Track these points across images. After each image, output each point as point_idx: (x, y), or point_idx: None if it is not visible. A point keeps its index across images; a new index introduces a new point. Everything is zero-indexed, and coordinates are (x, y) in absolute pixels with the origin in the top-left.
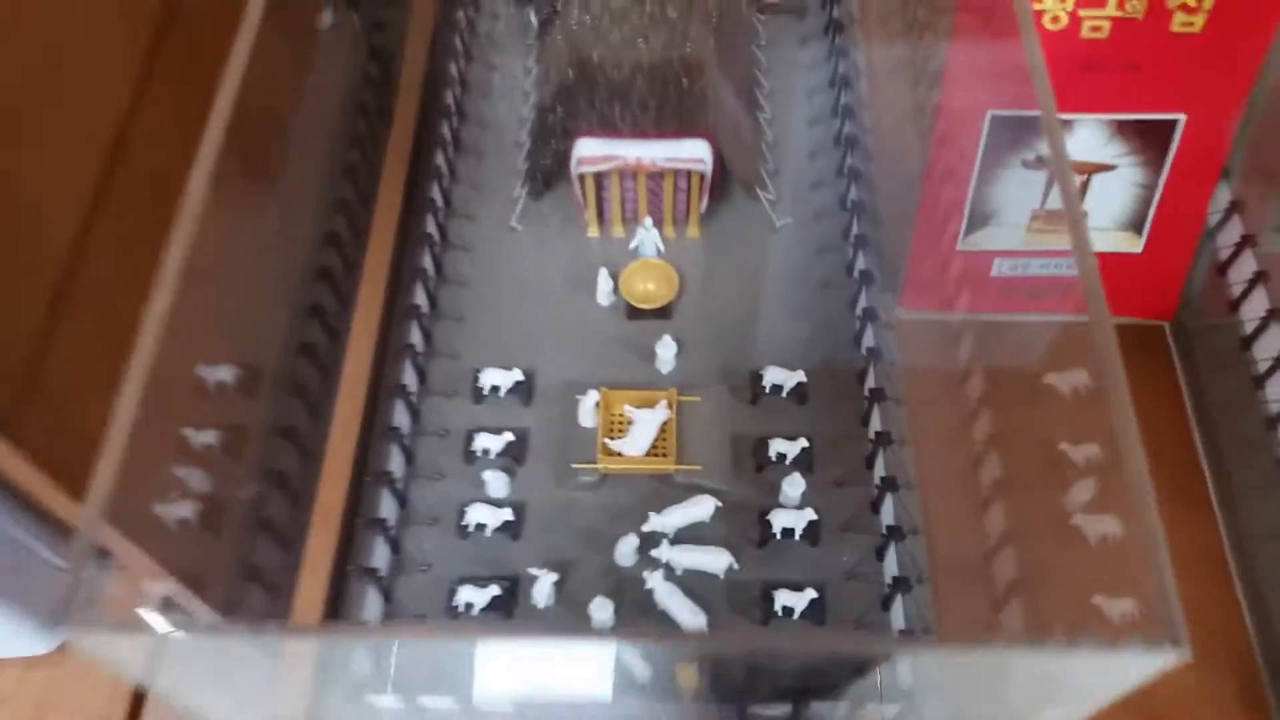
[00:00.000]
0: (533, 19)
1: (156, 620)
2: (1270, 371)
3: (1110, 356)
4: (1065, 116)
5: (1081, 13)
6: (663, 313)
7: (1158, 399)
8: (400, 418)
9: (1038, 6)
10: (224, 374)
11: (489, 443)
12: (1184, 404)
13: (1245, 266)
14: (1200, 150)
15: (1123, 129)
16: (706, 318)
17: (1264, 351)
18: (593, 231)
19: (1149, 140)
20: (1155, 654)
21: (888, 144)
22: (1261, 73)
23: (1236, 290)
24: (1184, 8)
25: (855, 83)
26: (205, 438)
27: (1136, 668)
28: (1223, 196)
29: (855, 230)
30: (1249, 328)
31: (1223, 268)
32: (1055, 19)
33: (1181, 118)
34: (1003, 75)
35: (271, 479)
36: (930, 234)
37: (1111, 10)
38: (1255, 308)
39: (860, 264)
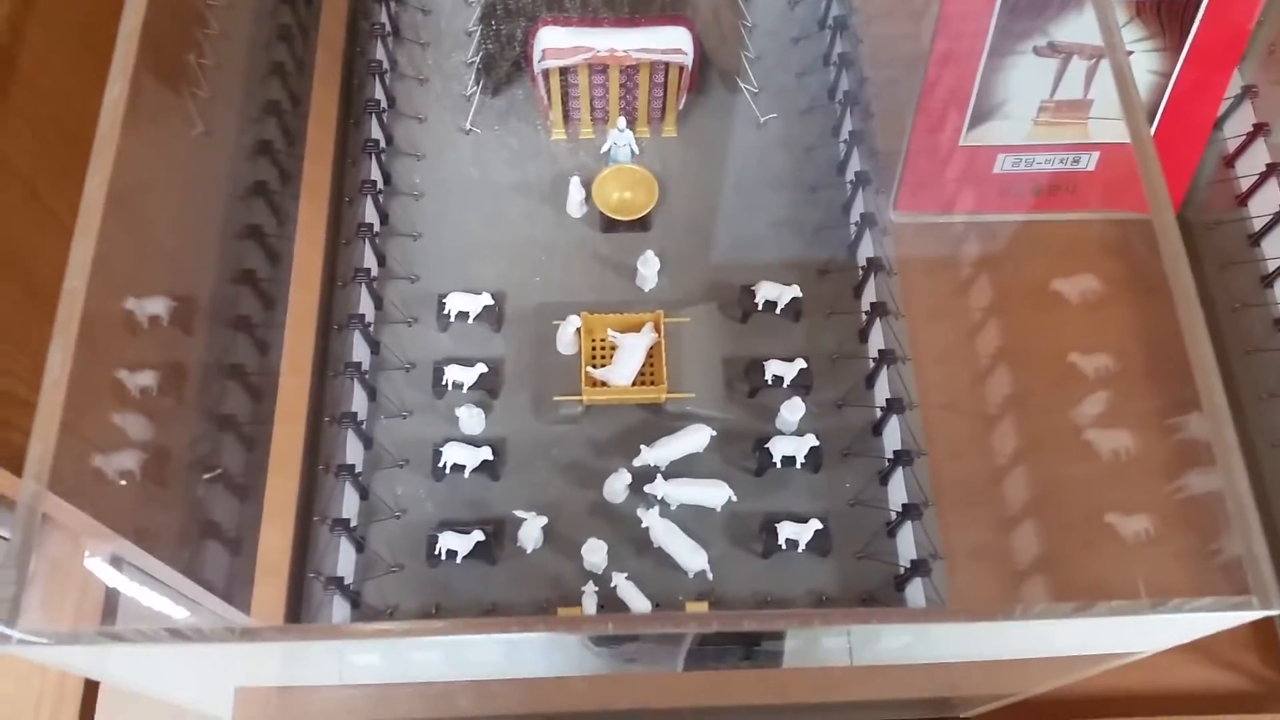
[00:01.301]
0: None
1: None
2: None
3: (1179, 268)
4: None
5: None
6: (641, 224)
7: (1160, 297)
8: (358, 350)
9: None
10: (157, 308)
11: (460, 375)
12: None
13: (1256, 158)
14: (1221, 34)
15: (1142, 10)
16: (689, 228)
17: (1274, 249)
18: (559, 133)
19: (1168, 23)
20: (1243, 610)
21: (879, 27)
22: None
23: (1245, 184)
24: None
25: None
26: (142, 380)
27: (1216, 621)
28: (1233, 83)
29: (848, 126)
30: (1258, 224)
31: (1230, 159)
32: None
33: None
34: None
35: (220, 423)
36: (929, 129)
37: None
38: (1266, 202)
39: (855, 164)
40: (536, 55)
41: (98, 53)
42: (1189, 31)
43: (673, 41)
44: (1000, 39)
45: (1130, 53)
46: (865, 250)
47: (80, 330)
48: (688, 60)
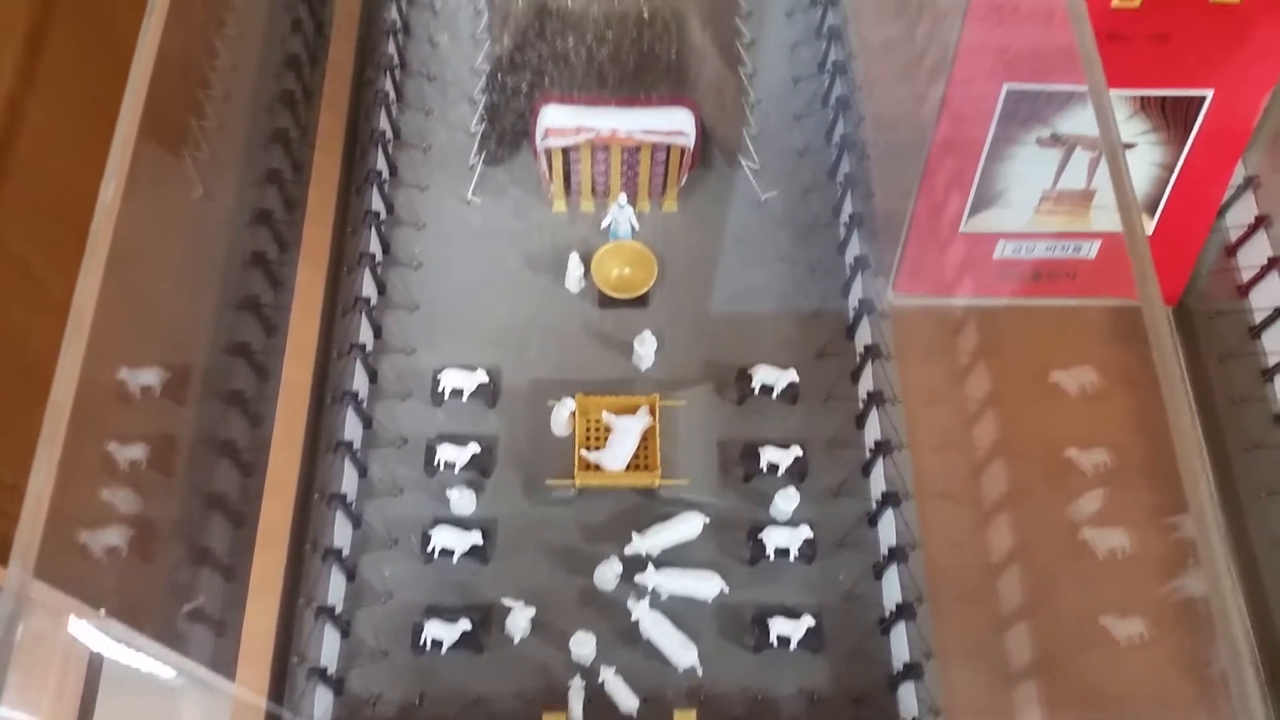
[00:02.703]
0: None
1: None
2: None
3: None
4: (1085, 89)
5: None
6: (639, 301)
7: (1158, 390)
8: (350, 427)
9: None
10: (150, 379)
11: (452, 455)
12: (1185, 395)
13: (1258, 249)
14: (1224, 129)
15: (1146, 105)
16: (687, 305)
17: (1275, 343)
18: (559, 206)
19: (1172, 117)
20: None
21: (882, 109)
22: None
23: (1247, 275)
24: None
25: (845, 34)
26: (131, 454)
27: None
28: (1238, 173)
29: (849, 208)
30: (1259, 316)
31: (1232, 249)
32: None
33: (1209, 94)
34: (1023, 46)
35: (208, 499)
36: (930, 214)
37: None
38: (1267, 295)
39: (855, 247)
40: (539, 133)
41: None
42: (1193, 125)
43: (675, 123)
44: (1003, 129)
45: (1134, 145)
46: (863, 336)
47: (70, 415)
48: (689, 142)
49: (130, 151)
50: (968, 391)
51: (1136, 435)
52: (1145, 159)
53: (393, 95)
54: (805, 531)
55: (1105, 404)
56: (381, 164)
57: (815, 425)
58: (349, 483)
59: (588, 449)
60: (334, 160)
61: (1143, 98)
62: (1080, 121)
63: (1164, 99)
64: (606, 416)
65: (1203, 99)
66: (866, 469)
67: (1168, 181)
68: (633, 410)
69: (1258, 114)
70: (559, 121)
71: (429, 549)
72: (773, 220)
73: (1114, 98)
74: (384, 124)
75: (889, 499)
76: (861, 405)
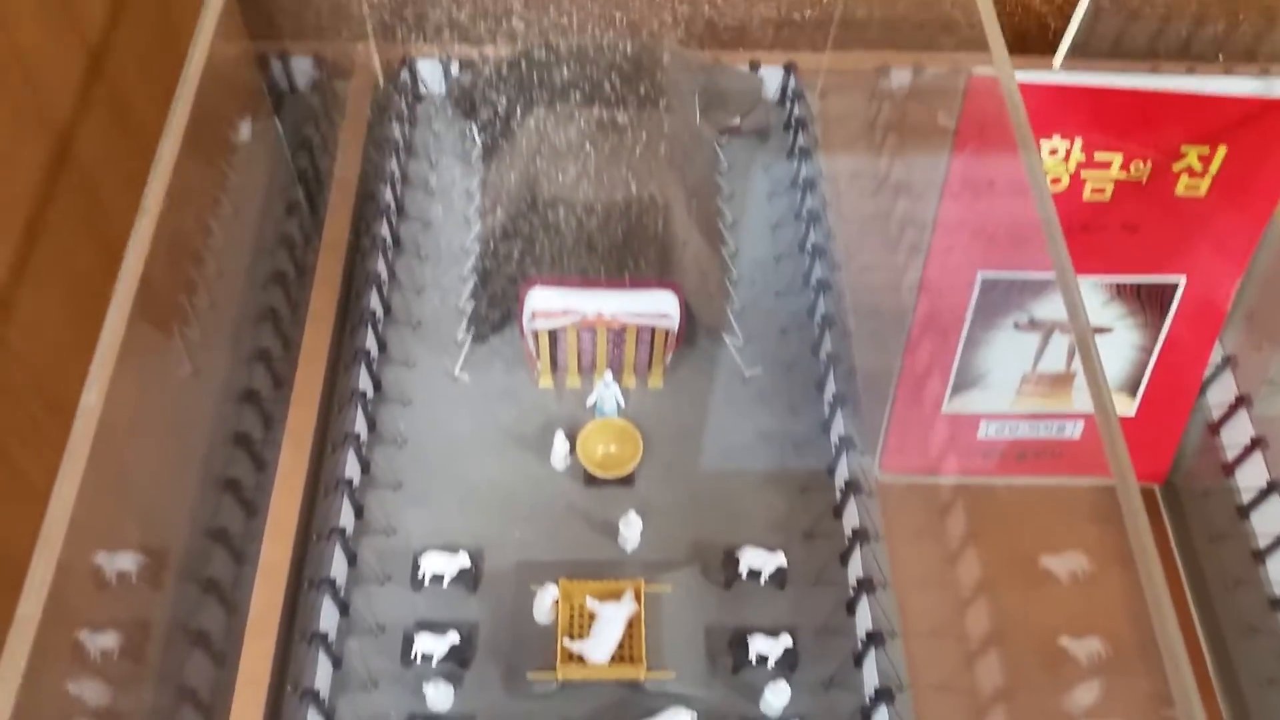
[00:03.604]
0: (476, 136)
1: None
2: (1272, 549)
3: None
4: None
5: (1084, 174)
6: (625, 479)
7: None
8: (327, 618)
9: None
10: (126, 564)
11: (430, 646)
12: (1179, 576)
13: (1240, 428)
14: (1199, 313)
15: (1121, 291)
16: (673, 484)
17: (1264, 524)
18: (545, 382)
19: (1148, 303)
20: None
21: (862, 289)
22: (1265, 234)
23: (1231, 453)
24: (1189, 171)
25: (824, 217)
26: (103, 643)
27: None
28: (1215, 352)
29: (832, 388)
30: (1246, 496)
31: (1215, 427)
32: (1056, 179)
33: (1181, 280)
34: (996, 235)
35: (179, 693)
36: (913, 395)
37: (1115, 173)
38: (1252, 475)
39: (840, 427)
40: (526, 315)
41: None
42: (1168, 309)
43: (660, 306)
44: (981, 313)
45: (1110, 329)
46: (851, 518)
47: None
48: (673, 324)
49: (117, 348)
50: (958, 575)
51: (1130, 620)
52: (1124, 341)
53: (384, 275)
54: None
55: (1097, 588)
56: (371, 342)
57: (805, 611)
58: (323, 676)
59: (571, 638)
60: (324, 337)
61: (1118, 284)
62: (1057, 306)
63: (1139, 285)
64: (590, 603)
65: (1176, 285)
66: (858, 660)
67: (1147, 363)
68: (617, 595)
69: (1230, 298)
70: (546, 304)
71: None
72: (757, 396)
73: (1089, 285)
74: (375, 302)
75: (882, 695)
76: (852, 591)
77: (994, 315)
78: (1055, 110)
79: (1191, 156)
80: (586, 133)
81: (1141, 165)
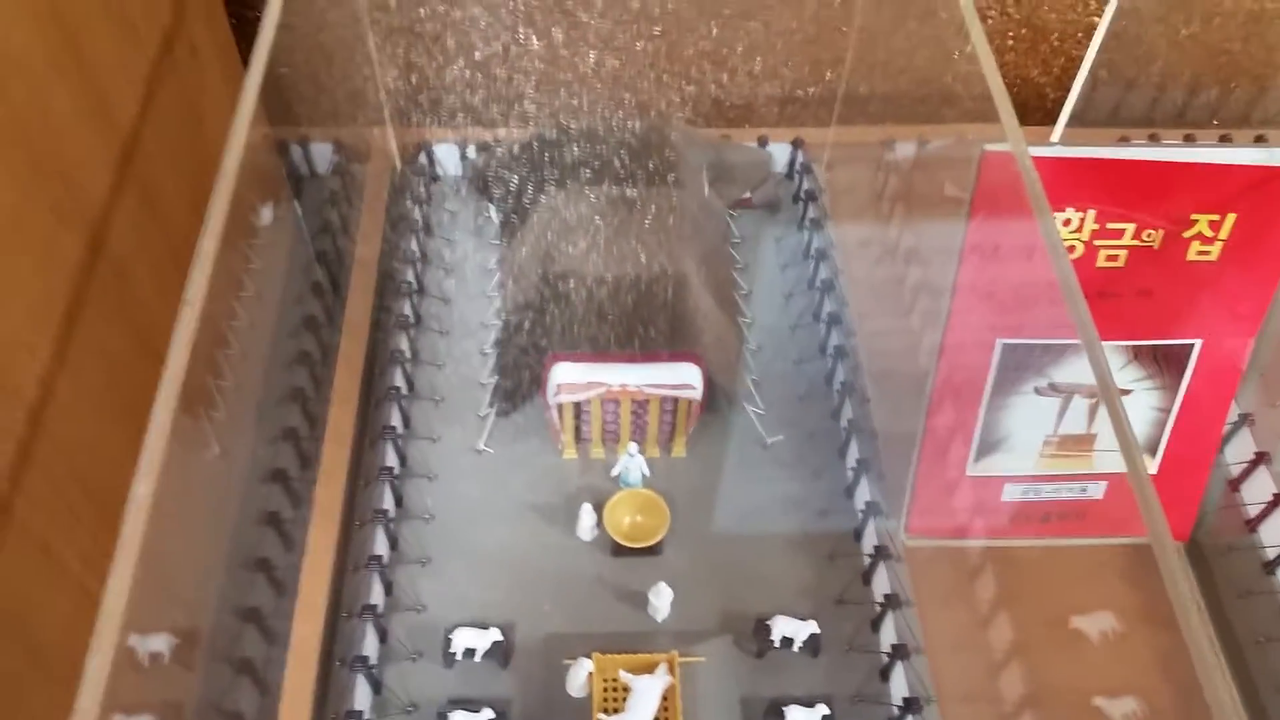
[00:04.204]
0: (494, 215)
1: None
2: None
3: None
4: (1079, 342)
5: (1097, 243)
6: (653, 549)
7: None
8: (361, 698)
9: None
10: (159, 645)
11: None
12: (1208, 633)
13: (1260, 484)
14: (1216, 373)
15: (1139, 354)
16: (700, 553)
17: None
18: (570, 454)
19: (1165, 365)
20: None
21: (877, 356)
22: (1276, 295)
23: (1253, 510)
24: (1200, 237)
25: (838, 284)
26: None
27: None
28: (1232, 409)
29: (855, 454)
30: (1271, 553)
31: (1236, 484)
32: (1071, 248)
33: (1197, 343)
34: (1014, 302)
35: None
36: (936, 459)
37: (1128, 240)
38: (1276, 530)
39: (865, 492)
40: (551, 390)
41: (123, 402)
42: (1185, 370)
43: (683, 377)
44: (1001, 379)
45: (1130, 391)
46: (881, 585)
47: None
48: (696, 394)
49: (166, 437)
50: (989, 638)
51: (1162, 678)
52: (1143, 403)
53: (407, 352)
54: None
55: (1127, 647)
56: (396, 418)
57: (839, 679)
58: None
59: (606, 713)
60: (349, 415)
61: (1135, 347)
62: (1075, 371)
63: (1155, 348)
64: (624, 676)
65: (1192, 346)
66: None
67: (1165, 424)
68: (651, 668)
69: (1245, 357)
70: (571, 378)
71: None
72: (780, 463)
73: (1107, 349)
74: (399, 380)
75: None
76: (886, 658)
77: (1014, 380)
78: (1067, 183)
79: (1202, 223)
80: (599, 209)
81: (1153, 233)
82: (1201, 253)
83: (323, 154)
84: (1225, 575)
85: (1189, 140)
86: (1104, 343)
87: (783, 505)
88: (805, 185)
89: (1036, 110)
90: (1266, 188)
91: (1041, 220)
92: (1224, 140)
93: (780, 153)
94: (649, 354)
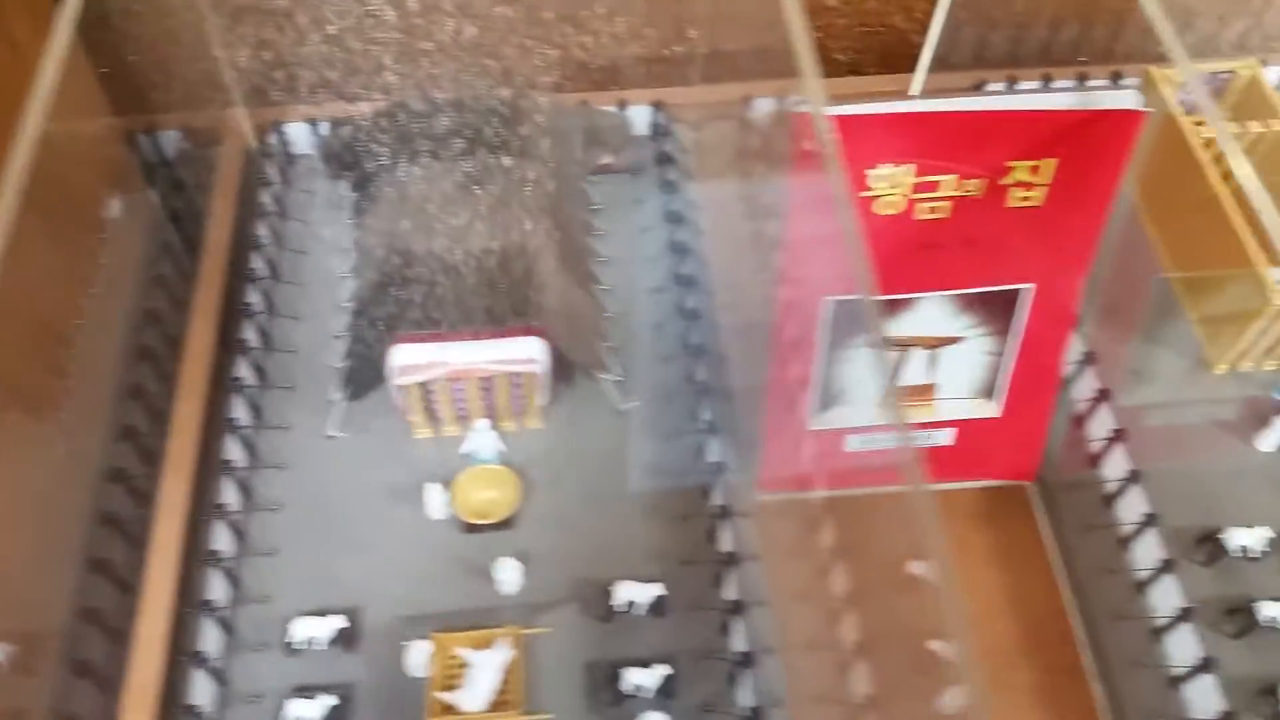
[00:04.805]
0: (349, 194)
1: None
2: (1135, 535)
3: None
4: (909, 295)
5: (919, 195)
6: (505, 524)
7: (1028, 563)
8: (200, 692)
9: (872, 193)
10: None
11: (304, 711)
12: (1053, 568)
13: (1103, 422)
14: (1049, 315)
15: (969, 301)
16: (552, 525)
17: (1127, 513)
18: (423, 433)
19: (996, 310)
20: None
21: (735, 312)
22: (1104, 234)
23: (1096, 447)
24: (1021, 184)
25: (695, 245)
26: None
27: None
28: (1076, 348)
29: (706, 415)
30: (1111, 487)
31: (1079, 421)
32: (892, 203)
33: (1027, 287)
34: (838, 261)
35: None
36: (781, 415)
37: (950, 191)
38: (1116, 466)
39: (713, 453)
40: (393, 373)
41: None
42: (1019, 314)
43: (525, 352)
44: (836, 333)
45: (963, 339)
46: (725, 543)
47: None
48: (540, 368)
49: None
50: (830, 587)
51: (1004, 617)
52: (977, 349)
53: (254, 341)
54: None
55: (966, 589)
56: (240, 410)
57: (683, 638)
58: None
59: (445, 690)
60: (195, 408)
61: (965, 296)
62: (909, 323)
63: (984, 294)
64: (462, 653)
65: (1024, 290)
66: (732, 678)
67: (1001, 368)
68: (490, 644)
69: (1076, 299)
70: (412, 359)
71: None
72: (637, 429)
73: (936, 298)
74: (243, 370)
75: (756, 715)
76: (727, 614)
77: (847, 335)
78: (886, 139)
79: (1021, 169)
80: (447, 185)
81: (975, 183)
82: (1024, 199)
83: (173, 141)
84: (1070, 510)
85: (1046, 80)
86: (933, 293)
87: (638, 470)
88: (665, 147)
89: (905, 58)
90: (1085, 130)
91: (830, 174)
92: (1081, 78)
93: (641, 115)
94: (491, 330)
